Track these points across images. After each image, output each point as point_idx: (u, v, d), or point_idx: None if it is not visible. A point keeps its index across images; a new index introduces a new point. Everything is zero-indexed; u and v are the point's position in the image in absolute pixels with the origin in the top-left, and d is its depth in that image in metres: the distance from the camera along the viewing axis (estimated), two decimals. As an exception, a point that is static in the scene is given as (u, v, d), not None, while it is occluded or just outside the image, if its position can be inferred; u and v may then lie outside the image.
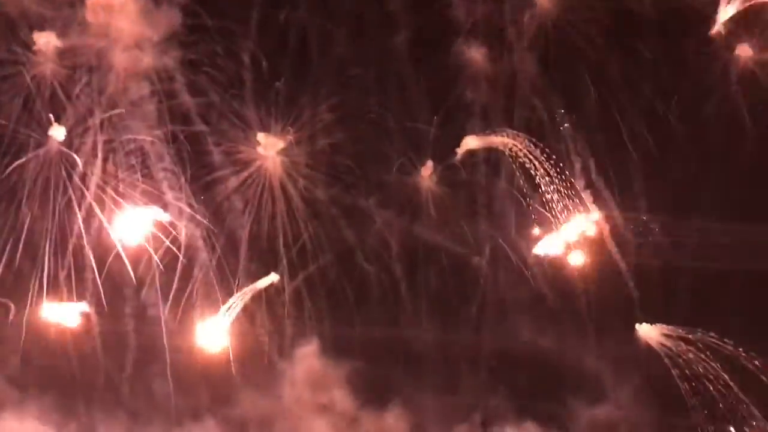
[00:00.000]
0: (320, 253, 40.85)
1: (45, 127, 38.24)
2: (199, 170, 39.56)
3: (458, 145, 39.93)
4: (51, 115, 38.21)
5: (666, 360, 36.70)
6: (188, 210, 40.01)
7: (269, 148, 39.05)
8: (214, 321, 41.49)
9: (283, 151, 39.23)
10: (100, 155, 38.79)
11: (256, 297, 41.99)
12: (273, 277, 42.22)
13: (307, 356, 41.16)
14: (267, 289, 41.77)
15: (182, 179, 39.51)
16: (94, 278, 38.90)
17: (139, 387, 40.11)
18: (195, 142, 39.14)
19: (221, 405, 40.61)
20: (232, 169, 39.37)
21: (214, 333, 41.74)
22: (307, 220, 40.41)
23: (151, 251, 40.21)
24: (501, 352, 40.19)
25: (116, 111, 38.33)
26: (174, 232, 40.17)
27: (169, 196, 39.64)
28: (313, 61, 39.32)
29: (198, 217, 40.26)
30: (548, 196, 38.45)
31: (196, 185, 39.74)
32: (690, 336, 36.39)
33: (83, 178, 38.71)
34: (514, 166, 39.84)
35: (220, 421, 40.29)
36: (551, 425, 39.31)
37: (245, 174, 39.46)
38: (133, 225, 39.46)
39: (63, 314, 38.84)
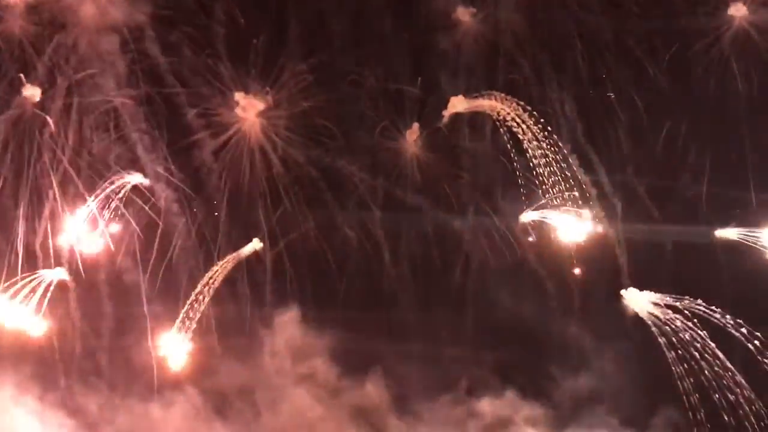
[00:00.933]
0: (301, 218, 40.51)
1: (15, 86, 37.40)
2: (175, 133, 38.87)
3: (444, 108, 38.93)
4: (22, 75, 37.32)
5: (653, 329, 36.35)
6: (165, 174, 39.66)
7: (248, 110, 38.36)
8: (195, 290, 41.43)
9: (262, 114, 38.40)
10: (73, 117, 38.07)
11: (237, 264, 41.65)
12: (256, 245, 41.92)
13: (288, 324, 40.88)
14: (247, 256, 41.40)
15: (158, 142, 38.92)
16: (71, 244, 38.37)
17: (118, 357, 39.81)
18: (170, 104, 38.52)
19: (202, 375, 40.19)
20: (209, 132, 38.63)
21: (194, 303, 41.52)
22: (287, 185, 39.98)
23: (129, 217, 39.79)
24: (485, 319, 39.86)
25: (88, 72, 37.39)
26: (152, 198, 39.78)
27: (145, 159, 38.91)
28: (291, 18, 38.40)
29: (176, 181, 39.87)
30: (535, 161, 37.80)
31: (172, 149, 39.24)
32: (677, 304, 35.99)
33: (57, 140, 38.03)
34: (501, 131, 38.98)
35: (200, 391, 39.81)
36: (536, 395, 39.07)
37: (223, 137, 38.80)
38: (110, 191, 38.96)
39: (39, 281, 38.24)
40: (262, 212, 40.21)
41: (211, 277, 41.65)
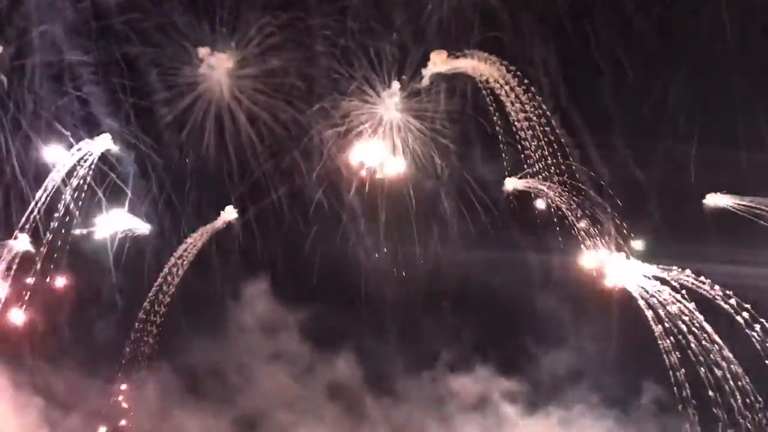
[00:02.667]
0: (272, 185, 39.87)
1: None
2: (138, 93, 37.91)
3: (424, 67, 37.85)
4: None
5: (640, 301, 35.73)
6: (129, 138, 38.96)
7: (214, 69, 37.24)
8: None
9: (230, 72, 37.28)
10: (33, 77, 37.08)
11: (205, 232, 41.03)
12: (230, 214, 41.18)
13: (259, 297, 40.18)
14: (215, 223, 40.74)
15: (121, 104, 38.01)
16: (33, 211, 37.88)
17: (84, 333, 39.41)
18: (132, 63, 37.37)
19: (173, 353, 39.79)
20: (173, 93, 37.68)
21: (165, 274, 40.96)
22: (256, 149, 39.13)
23: (93, 184, 39.00)
24: (463, 291, 39.23)
25: (45, 27, 36.32)
26: (118, 165, 39.05)
27: (108, 122, 38.05)
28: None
29: (142, 147, 39.19)
30: (518, 124, 36.91)
31: (135, 110, 38.38)
32: (665, 275, 35.32)
33: (17, 101, 37.14)
34: (484, 92, 38.00)
35: (172, 369, 39.44)
36: (515, 371, 38.85)
37: (189, 98, 37.80)
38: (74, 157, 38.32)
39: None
40: (228, 179, 39.35)
41: (185, 250, 40.96)
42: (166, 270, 40.87)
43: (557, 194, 37.53)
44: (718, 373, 34.70)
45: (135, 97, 37.59)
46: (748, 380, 34.51)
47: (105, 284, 39.81)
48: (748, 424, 34.25)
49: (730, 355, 34.64)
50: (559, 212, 38.20)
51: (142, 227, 40.47)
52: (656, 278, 35.73)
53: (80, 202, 39.04)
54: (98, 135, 38.67)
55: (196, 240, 41.30)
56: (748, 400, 34.55)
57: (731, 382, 34.57)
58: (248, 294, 40.10)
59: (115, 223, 39.96)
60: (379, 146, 39.49)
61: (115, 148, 39.15)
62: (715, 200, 35.46)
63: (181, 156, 39.17)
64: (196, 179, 39.66)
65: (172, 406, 39.29)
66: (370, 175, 39.18)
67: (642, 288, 35.91)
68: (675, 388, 35.53)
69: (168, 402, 39.28)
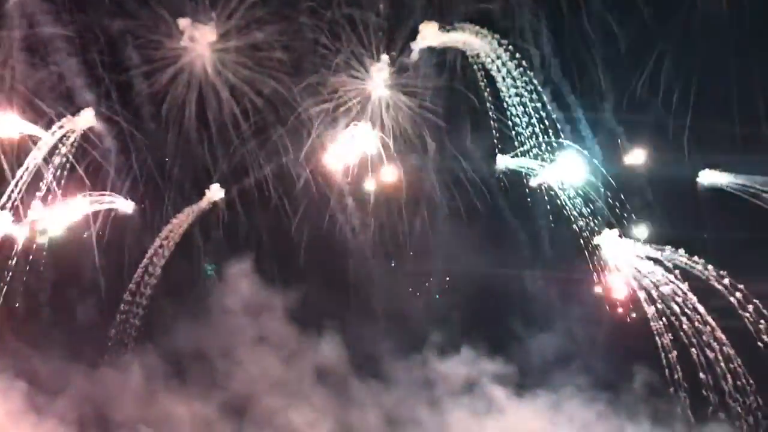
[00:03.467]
0: (256, 164, 39.44)
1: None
2: (117, 68, 37.28)
3: (413, 40, 37.19)
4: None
5: (632, 281, 35.40)
6: (109, 114, 38.44)
7: (195, 42, 36.62)
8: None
9: (212, 46, 36.67)
10: (11, 51, 36.45)
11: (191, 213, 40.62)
12: (216, 193, 40.72)
13: (243, 278, 39.87)
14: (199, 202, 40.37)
15: (100, 78, 37.55)
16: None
17: (66, 316, 39.31)
18: (111, 36, 36.72)
19: (155, 334, 39.53)
20: (153, 66, 37.05)
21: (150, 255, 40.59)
22: (240, 126, 38.73)
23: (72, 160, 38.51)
24: (450, 273, 38.80)
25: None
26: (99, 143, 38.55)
27: (86, 97, 37.45)
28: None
29: (122, 123, 38.67)
30: (509, 100, 36.37)
31: (115, 85, 37.92)
32: (658, 254, 34.96)
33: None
34: (474, 67, 37.41)
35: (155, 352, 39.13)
36: (503, 354, 38.50)
37: (169, 72, 37.21)
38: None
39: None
40: (211, 157, 38.84)
41: (171, 231, 40.58)
42: (151, 251, 40.42)
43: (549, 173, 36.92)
44: (710, 355, 34.42)
45: (114, 71, 37.06)
46: (740, 362, 34.26)
47: (87, 265, 39.23)
48: (739, 408, 34.05)
49: (723, 337, 34.32)
50: (551, 192, 37.54)
51: (125, 206, 39.85)
52: (649, 258, 35.28)
53: (62, 181, 38.24)
54: (77, 111, 37.93)
55: (181, 220, 40.82)
56: (739, 383, 34.33)
57: (723, 365, 34.33)
58: (232, 275, 39.73)
59: (98, 202, 39.36)
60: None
61: (97, 125, 38.36)
62: (709, 178, 34.93)
63: (162, 133, 38.69)
64: (178, 157, 39.34)
65: (157, 390, 38.62)
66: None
67: (635, 268, 35.51)
68: (667, 370, 35.30)
69: (153, 386, 38.65)
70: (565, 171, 36.38)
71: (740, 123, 33.56)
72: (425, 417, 38.73)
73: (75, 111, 38.09)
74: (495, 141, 37.82)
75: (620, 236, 35.67)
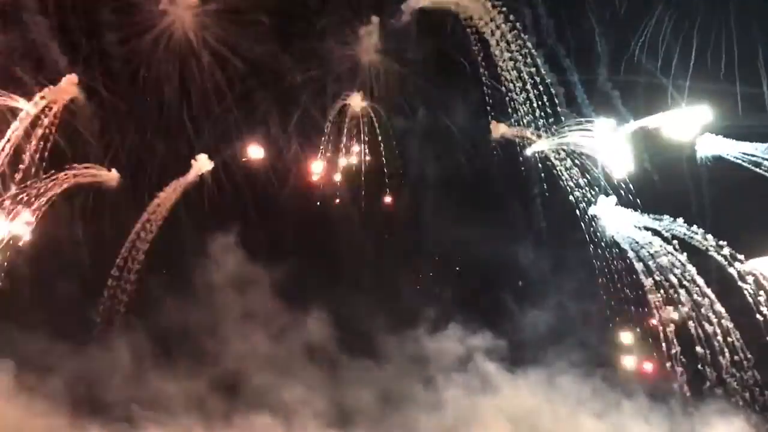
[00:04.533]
0: (241, 133, 38.76)
1: None
2: (94, 34, 36.54)
3: (404, 1, 36.58)
4: None
5: (630, 252, 34.67)
6: (90, 83, 37.60)
7: (176, 5, 35.94)
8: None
9: (192, 9, 35.92)
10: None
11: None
12: (205, 164, 40.11)
13: (230, 253, 39.37)
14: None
15: (77, 45, 36.71)
16: None
17: (52, 293, 38.65)
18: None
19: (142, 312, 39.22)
20: (132, 31, 36.38)
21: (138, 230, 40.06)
22: (225, 94, 38.04)
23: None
24: (443, 245, 38.19)
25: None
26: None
27: (62, 66, 36.78)
28: None
29: (103, 92, 37.93)
30: (503, 64, 35.51)
31: (92, 52, 37.06)
32: (656, 224, 34.18)
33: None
34: (468, 30, 36.54)
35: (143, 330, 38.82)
36: (495, 329, 37.87)
37: (148, 37, 36.47)
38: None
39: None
40: (193, 127, 38.16)
41: (158, 205, 40.08)
42: (139, 225, 39.92)
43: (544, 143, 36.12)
44: (709, 329, 33.74)
45: (91, 37, 36.23)
46: (738, 336, 33.58)
47: (72, 240, 38.85)
48: (735, 384, 33.46)
49: (722, 310, 33.61)
50: (547, 162, 36.74)
51: (109, 178, 39.37)
52: (647, 228, 34.51)
53: (45, 153, 37.70)
54: (55, 81, 37.12)
55: (169, 194, 40.28)
56: (736, 357, 33.66)
57: (720, 339, 33.67)
58: (219, 251, 39.12)
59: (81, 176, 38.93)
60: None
61: (79, 95, 37.73)
62: (708, 144, 34.00)
63: (143, 102, 38.15)
64: (159, 127, 38.66)
65: (146, 369, 38.33)
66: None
67: (632, 239, 34.76)
68: (664, 344, 34.64)
69: (143, 364, 38.35)
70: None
71: (742, 86, 32.38)
72: (417, 394, 38.10)
73: (52, 80, 37.19)
74: (488, 108, 36.90)
75: (616, 204, 34.70)
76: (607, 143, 34.55)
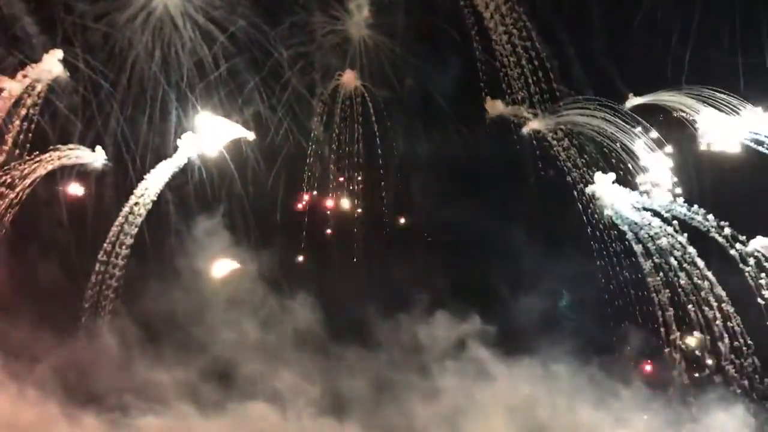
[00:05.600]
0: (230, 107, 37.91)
1: None
2: (76, 10, 36.00)
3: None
4: None
5: (629, 234, 33.82)
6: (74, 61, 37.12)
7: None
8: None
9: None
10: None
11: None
12: (192, 143, 39.33)
13: (216, 238, 38.83)
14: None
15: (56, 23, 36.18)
16: None
17: (37, 280, 38.21)
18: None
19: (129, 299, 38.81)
20: (115, 5, 35.84)
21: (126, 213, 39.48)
22: (212, 71, 37.36)
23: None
24: (437, 229, 37.81)
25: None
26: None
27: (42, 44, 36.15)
28: None
29: (86, 71, 37.40)
30: (497, 38, 34.64)
31: (75, 30, 36.60)
32: (656, 205, 33.41)
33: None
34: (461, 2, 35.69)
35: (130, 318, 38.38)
36: (490, 315, 37.13)
37: (130, 12, 35.92)
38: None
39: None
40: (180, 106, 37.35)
41: (145, 188, 39.50)
42: (126, 209, 39.39)
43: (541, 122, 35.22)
44: (709, 314, 32.93)
45: (70, 12, 35.72)
46: (739, 321, 32.74)
47: (57, 224, 38.42)
48: (734, 371, 32.68)
49: (723, 294, 32.74)
50: (545, 142, 35.76)
51: (95, 160, 38.83)
52: (646, 209, 33.62)
53: (29, 134, 37.24)
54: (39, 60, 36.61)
55: (157, 176, 39.71)
56: (736, 343, 32.83)
57: (720, 324, 32.85)
58: (205, 235, 38.52)
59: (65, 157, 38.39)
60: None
61: (63, 74, 37.15)
62: (708, 121, 33.01)
63: (127, 81, 37.33)
64: (146, 107, 37.98)
65: (136, 357, 37.92)
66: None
67: (631, 220, 33.91)
68: (663, 329, 33.86)
69: (132, 353, 37.89)
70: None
71: (743, 60, 31.41)
72: (412, 382, 37.53)
73: (34, 59, 36.55)
74: (482, 84, 35.97)
75: (613, 182, 33.84)
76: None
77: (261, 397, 36.78)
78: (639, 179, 34.36)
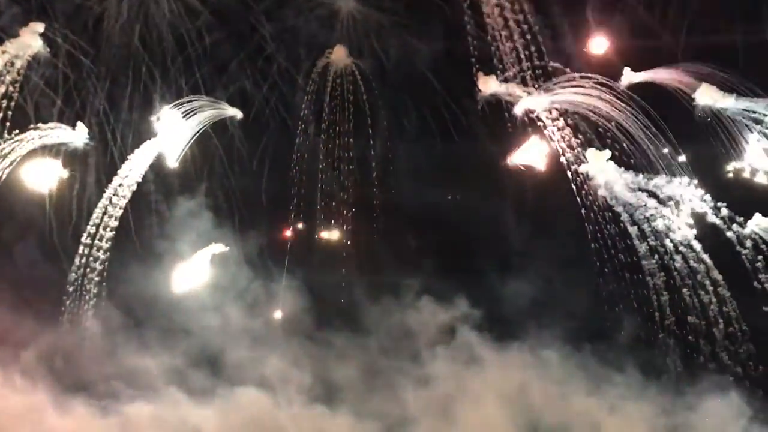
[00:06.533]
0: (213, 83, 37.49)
1: None
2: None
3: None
4: None
5: (624, 215, 33.21)
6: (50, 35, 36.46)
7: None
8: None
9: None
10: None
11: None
12: (174, 118, 38.40)
13: (199, 219, 38.26)
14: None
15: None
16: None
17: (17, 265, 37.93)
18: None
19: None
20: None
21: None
22: (194, 46, 36.82)
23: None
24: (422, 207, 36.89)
25: None
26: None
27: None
28: None
29: (64, 44, 36.70)
30: (488, 9, 33.91)
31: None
32: (650, 185, 32.72)
33: None
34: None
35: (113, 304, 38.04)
36: (480, 300, 36.73)
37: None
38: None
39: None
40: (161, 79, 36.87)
41: (130, 169, 38.88)
42: (110, 190, 38.84)
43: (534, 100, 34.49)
44: (705, 297, 32.32)
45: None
46: (735, 306, 32.11)
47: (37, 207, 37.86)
48: (727, 359, 32.11)
49: (719, 277, 32.06)
50: (539, 122, 35.11)
51: (77, 139, 38.25)
52: (641, 190, 32.95)
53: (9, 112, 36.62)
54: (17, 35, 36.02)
55: (142, 156, 39.11)
56: (731, 329, 32.22)
57: (715, 308, 32.26)
58: (187, 215, 37.99)
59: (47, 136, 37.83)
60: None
61: (43, 49, 36.57)
62: (706, 98, 32.22)
63: (108, 57, 36.83)
64: (127, 83, 37.44)
65: (119, 344, 37.70)
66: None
67: (625, 200, 33.24)
68: (657, 313, 33.24)
69: (117, 339, 37.65)
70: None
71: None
72: (401, 366, 37.17)
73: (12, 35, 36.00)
74: (473, 60, 35.12)
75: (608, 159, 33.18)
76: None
77: (250, 383, 36.66)
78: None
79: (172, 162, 37.70)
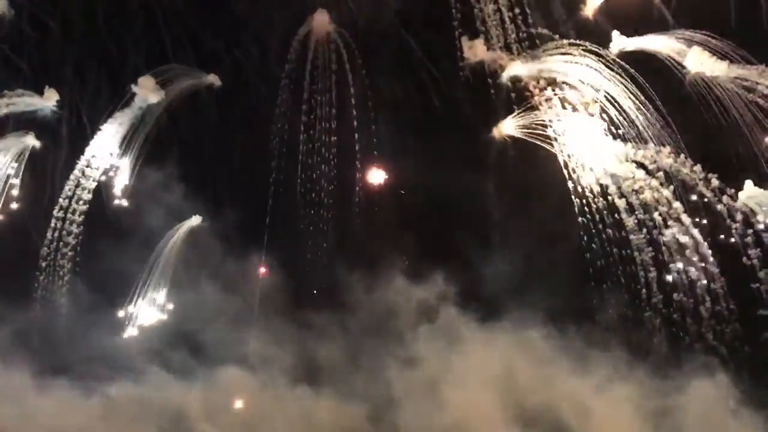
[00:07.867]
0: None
1: None
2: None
3: None
4: None
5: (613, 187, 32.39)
6: None
7: None
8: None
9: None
10: None
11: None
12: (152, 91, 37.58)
13: (179, 202, 37.63)
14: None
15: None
16: None
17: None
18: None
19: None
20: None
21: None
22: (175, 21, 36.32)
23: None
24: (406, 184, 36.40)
25: None
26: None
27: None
28: None
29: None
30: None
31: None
32: (640, 154, 31.88)
33: None
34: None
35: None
36: (466, 280, 35.89)
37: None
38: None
39: None
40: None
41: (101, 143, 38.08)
42: (80, 165, 38.00)
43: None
44: (694, 274, 31.62)
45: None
46: (723, 283, 31.40)
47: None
48: (714, 340, 31.46)
49: (708, 253, 31.31)
50: (527, 92, 34.35)
51: (46, 106, 37.40)
52: (630, 160, 32.17)
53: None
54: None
55: (115, 128, 38.29)
56: (718, 308, 31.51)
57: (703, 284, 31.52)
58: (162, 191, 37.36)
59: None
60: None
61: (8, 12, 36.17)
62: (698, 63, 31.29)
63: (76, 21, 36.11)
64: (95, 49, 36.62)
65: (98, 325, 37.33)
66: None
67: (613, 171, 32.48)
68: (644, 290, 32.49)
69: (93, 317, 37.11)
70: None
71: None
72: (385, 346, 36.52)
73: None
74: (456, 23, 34.16)
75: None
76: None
77: (232, 363, 36.36)
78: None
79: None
